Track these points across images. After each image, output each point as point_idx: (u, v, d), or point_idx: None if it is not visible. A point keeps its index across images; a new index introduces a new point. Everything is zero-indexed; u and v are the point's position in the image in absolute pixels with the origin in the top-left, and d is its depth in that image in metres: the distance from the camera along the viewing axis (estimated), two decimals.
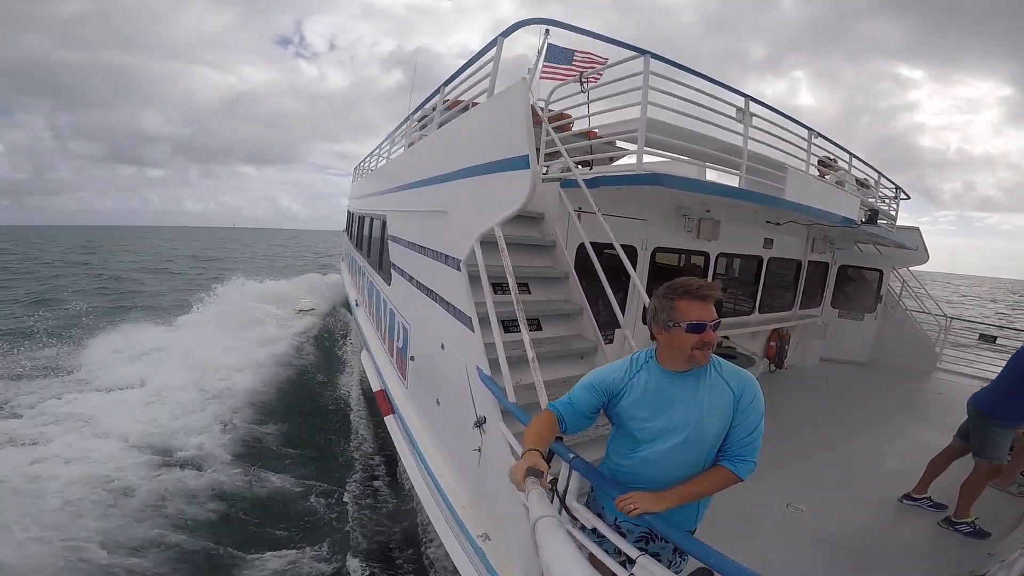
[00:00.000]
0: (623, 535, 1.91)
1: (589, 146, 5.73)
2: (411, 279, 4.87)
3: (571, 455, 2.02)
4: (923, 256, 8.85)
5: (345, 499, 5.71)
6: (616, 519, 1.95)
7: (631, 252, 5.17)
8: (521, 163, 2.65)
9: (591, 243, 3.75)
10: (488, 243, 3.20)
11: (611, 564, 1.75)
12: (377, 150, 9.50)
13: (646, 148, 3.84)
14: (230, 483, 5.97)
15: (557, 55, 7.17)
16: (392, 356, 5.92)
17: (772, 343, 7.48)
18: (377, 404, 5.74)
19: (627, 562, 1.77)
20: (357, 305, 9.60)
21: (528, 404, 2.71)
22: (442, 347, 3.81)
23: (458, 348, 3.40)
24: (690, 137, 4.55)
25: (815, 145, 5.90)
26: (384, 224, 6.69)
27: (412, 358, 4.78)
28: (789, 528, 3.56)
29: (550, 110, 4.99)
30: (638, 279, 3.46)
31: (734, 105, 4.48)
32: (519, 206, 2.67)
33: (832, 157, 6.84)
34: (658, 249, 5.47)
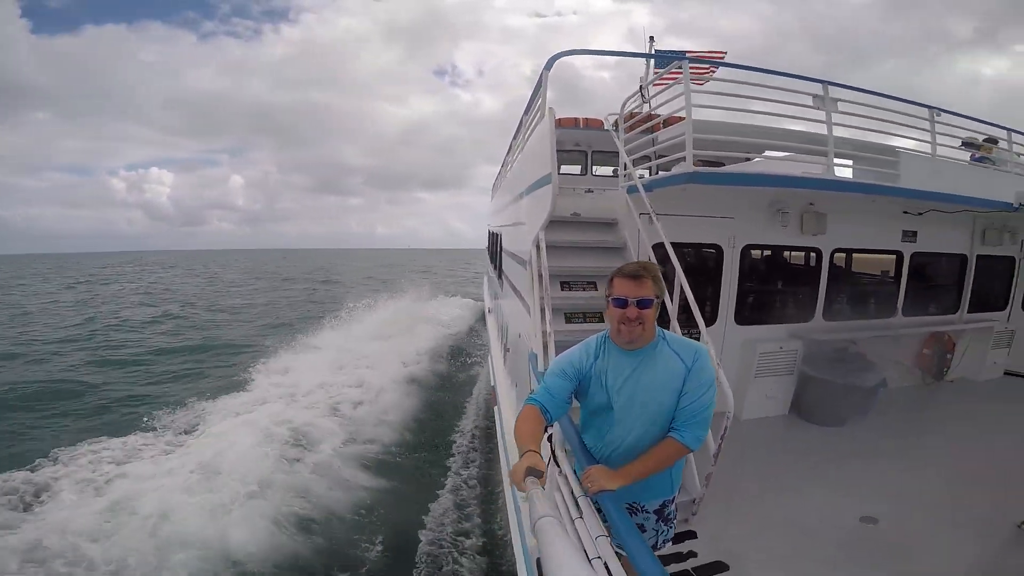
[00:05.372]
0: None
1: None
2: (510, 282, 5.72)
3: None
4: None
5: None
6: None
7: (716, 251, 5.22)
8: (546, 180, 3.26)
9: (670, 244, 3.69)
10: (558, 247, 3.89)
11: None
12: (502, 168, 10.69)
13: (695, 152, 4.03)
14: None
15: (666, 61, 7.41)
16: (502, 352, 6.85)
17: (926, 350, 6.41)
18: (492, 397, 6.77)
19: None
20: (489, 312, 10.88)
21: None
22: (519, 336, 4.54)
23: (524, 335, 4.08)
24: (763, 133, 4.54)
25: (969, 130, 5.39)
26: (499, 238, 7.72)
27: (507, 349, 5.60)
28: (861, 544, 3.24)
29: (657, 114, 5.31)
30: (680, 278, 3.61)
31: (808, 94, 4.35)
32: (547, 214, 3.28)
33: (987, 137, 5.86)
34: (752, 246, 5.37)
